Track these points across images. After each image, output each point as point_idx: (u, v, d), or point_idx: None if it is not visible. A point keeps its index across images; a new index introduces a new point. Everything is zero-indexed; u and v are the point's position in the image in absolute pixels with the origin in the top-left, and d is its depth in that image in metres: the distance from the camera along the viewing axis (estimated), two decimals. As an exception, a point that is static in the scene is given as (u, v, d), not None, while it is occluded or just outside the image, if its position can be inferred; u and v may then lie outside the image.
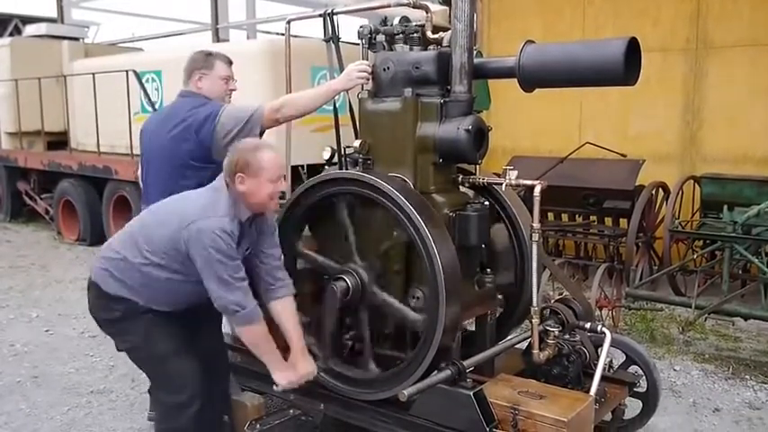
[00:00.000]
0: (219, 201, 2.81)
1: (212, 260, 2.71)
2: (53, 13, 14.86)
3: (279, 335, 2.98)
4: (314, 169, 3.72)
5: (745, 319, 5.23)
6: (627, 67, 2.73)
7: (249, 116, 3.26)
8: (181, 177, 3.21)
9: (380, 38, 3.26)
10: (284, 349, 3.00)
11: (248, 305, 2.79)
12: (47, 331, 5.76)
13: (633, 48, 2.76)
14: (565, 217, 7.32)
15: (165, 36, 13.79)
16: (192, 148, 3.26)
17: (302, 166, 4.81)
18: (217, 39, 11.69)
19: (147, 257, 2.84)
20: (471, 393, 2.73)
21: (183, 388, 2.94)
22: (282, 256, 3.10)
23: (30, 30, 11.96)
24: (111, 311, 2.94)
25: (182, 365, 2.96)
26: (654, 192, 6.81)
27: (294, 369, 2.98)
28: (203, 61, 3.47)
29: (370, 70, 3.22)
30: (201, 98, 3.39)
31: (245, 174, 2.79)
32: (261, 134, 3.38)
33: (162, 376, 3.02)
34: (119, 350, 3.10)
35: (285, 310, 3.01)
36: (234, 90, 3.57)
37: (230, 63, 3.54)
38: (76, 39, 11.49)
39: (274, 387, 3.04)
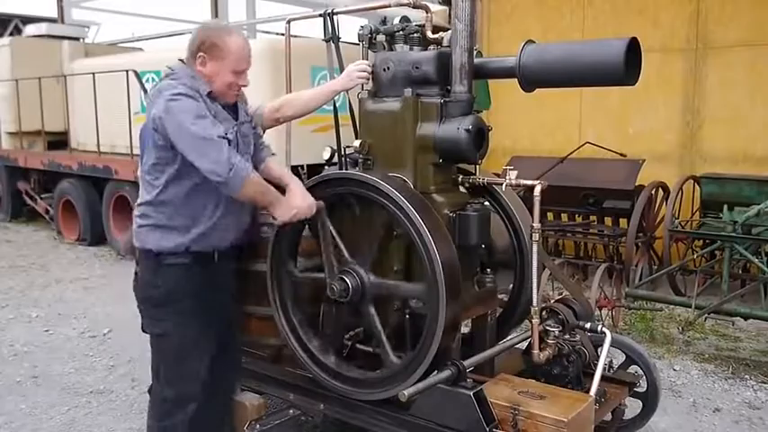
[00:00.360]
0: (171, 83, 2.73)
1: (184, 123, 2.62)
2: (53, 13, 14.87)
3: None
4: (314, 169, 3.72)
5: (745, 319, 5.23)
6: (627, 67, 2.72)
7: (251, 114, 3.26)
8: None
9: (380, 38, 3.25)
10: None
11: (236, 159, 2.68)
12: (46, 331, 5.76)
13: (633, 48, 2.75)
14: (564, 217, 7.32)
15: (165, 36, 13.80)
16: None
17: (302, 167, 4.80)
18: (217, 38, 11.68)
19: (159, 184, 2.79)
20: (471, 393, 2.71)
21: (188, 386, 2.94)
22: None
23: (30, 30, 11.96)
24: (152, 287, 2.89)
25: (198, 366, 2.96)
26: (653, 191, 6.80)
27: (291, 204, 2.92)
28: None
29: (370, 70, 3.21)
30: None
31: (208, 55, 2.72)
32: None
33: (174, 370, 2.97)
34: (144, 331, 3.04)
35: (272, 165, 3.11)
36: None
37: None
38: (77, 39, 11.49)
39: (273, 220, 3.03)
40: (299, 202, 2.93)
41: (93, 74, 8.65)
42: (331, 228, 3.09)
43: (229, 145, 2.70)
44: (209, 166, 2.65)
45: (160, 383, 3.04)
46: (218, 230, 2.90)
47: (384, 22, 3.28)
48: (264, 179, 2.95)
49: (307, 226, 3.32)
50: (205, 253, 2.90)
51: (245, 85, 2.91)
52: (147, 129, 2.76)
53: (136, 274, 2.99)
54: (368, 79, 3.23)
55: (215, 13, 11.84)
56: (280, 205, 2.90)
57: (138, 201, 2.94)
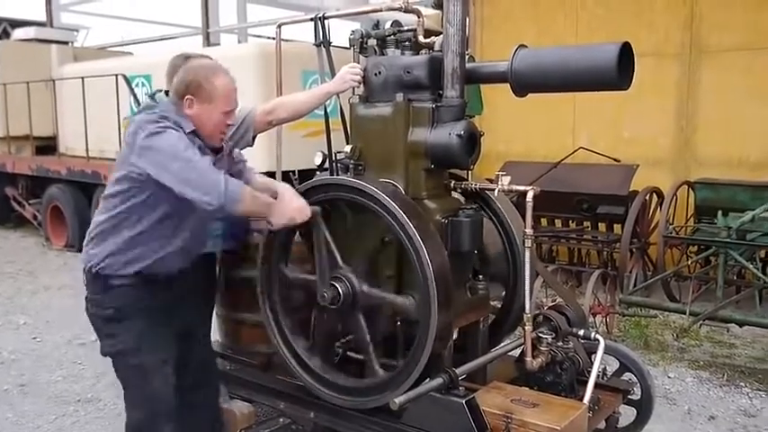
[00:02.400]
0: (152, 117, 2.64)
1: (168, 156, 2.51)
2: (42, 17, 14.79)
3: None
4: (306, 175, 3.68)
5: (740, 326, 5.20)
6: (620, 71, 2.70)
7: (243, 118, 3.22)
8: None
9: (371, 42, 3.22)
10: None
11: (224, 179, 2.56)
12: (34, 339, 5.71)
13: (626, 52, 2.73)
14: (558, 223, 7.29)
15: (155, 40, 13.76)
16: None
17: (293, 172, 4.76)
18: (207, 42, 11.68)
19: (118, 212, 2.68)
20: (463, 401, 2.68)
21: (156, 406, 2.83)
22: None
23: (18, 34, 11.91)
24: (104, 308, 2.78)
25: (163, 383, 2.83)
26: (648, 197, 6.79)
27: (285, 208, 2.83)
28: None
29: (363, 73, 3.17)
30: None
31: (196, 97, 2.65)
32: (253, 138, 3.33)
33: (139, 390, 2.85)
34: (103, 354, 2.92)
35: (257, 177, 3.10)
36: None
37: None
38: (65, 43, 11.44)
39: (269, 226, 2.94)
40: (293, 204, 2.86)
41: (83, 78, 8.59)
42: (326, 233, 3.02)
43: None
44: (200, 196, 2.55)
45: (128, 409, 2.92)
46: (167, 261, 2.81)
47: (377, 26, 3.24)
48: None
49: (298, 232, 3.28)
50: (154, 276, 2.80)
51: (232, 125, 2.85)
52: (124, 158, 2.66)
53: (86, 299, 2.88)
54: (361, 82, 3.19)
55: (206, 17, 11.79)
56: (274, 211, 2.81)
57: (94, 224, 2.80)
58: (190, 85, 2.67)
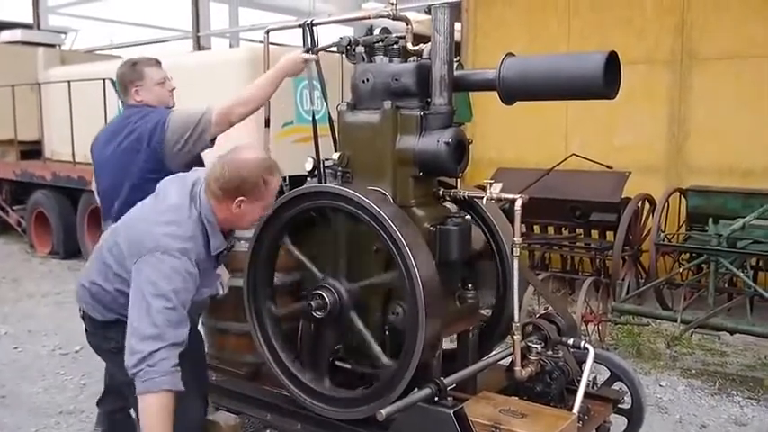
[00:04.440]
0: (183, 225, 2.44)
1: (153, 295, 2.30)
2: (29, 19, 14.67)
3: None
4: (296, 180, 3.64)
5: (732, 334, 5.17)
6: (607, 80, 2.69)
7: (198, 119, 3.18)
8: (140, 191, 2.95)
9: (360, 49, 3.18)
10: None
11: (160, 362, 2.27)
12: (16, 348, 5.60)
13: (613, 61, 2.72)
14: (551, 230, 7.25)
15: (145, 44, 13.68)
16: (144, 158, 3.19)
17: (284, 178, 4.69)
18: (198, 46, 11.63)
19: (118, 280, 2.54)
20: (451, 412, 2.63)
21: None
22: None
23: (4, 36, 11.74)
24: (107, 340, 2.64)
25: (197, 406, 2.76)
26: (640, 204, 6.76)
27: None
28: (132, 73, 3.40)
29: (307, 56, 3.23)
30: (146, 108, 3.34)
31: (248, 198, 2.46)
32: (212, 141, 3.27)
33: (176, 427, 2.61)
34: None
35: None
36: (174, 89, 3.50)
37: (159, 64, 3.46)
38: (53, 45, 11.32)
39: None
40: None
41: (69, 82, 8.49)
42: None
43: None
44: (131, 346, 2.29)
45: None
46: None
47: (370, 31, 3.22)
48: None
49: (287, 238, 3.22)
50: None
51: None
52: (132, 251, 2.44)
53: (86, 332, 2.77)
54: (306, 61, 3.27)
55: (196, 21, 11.74)
56: None
57: (92, 277, 2.62)
58: (245, 183, 2.44)
